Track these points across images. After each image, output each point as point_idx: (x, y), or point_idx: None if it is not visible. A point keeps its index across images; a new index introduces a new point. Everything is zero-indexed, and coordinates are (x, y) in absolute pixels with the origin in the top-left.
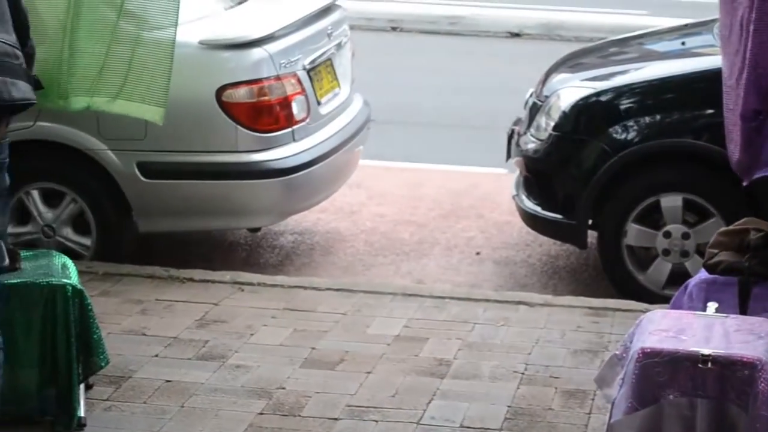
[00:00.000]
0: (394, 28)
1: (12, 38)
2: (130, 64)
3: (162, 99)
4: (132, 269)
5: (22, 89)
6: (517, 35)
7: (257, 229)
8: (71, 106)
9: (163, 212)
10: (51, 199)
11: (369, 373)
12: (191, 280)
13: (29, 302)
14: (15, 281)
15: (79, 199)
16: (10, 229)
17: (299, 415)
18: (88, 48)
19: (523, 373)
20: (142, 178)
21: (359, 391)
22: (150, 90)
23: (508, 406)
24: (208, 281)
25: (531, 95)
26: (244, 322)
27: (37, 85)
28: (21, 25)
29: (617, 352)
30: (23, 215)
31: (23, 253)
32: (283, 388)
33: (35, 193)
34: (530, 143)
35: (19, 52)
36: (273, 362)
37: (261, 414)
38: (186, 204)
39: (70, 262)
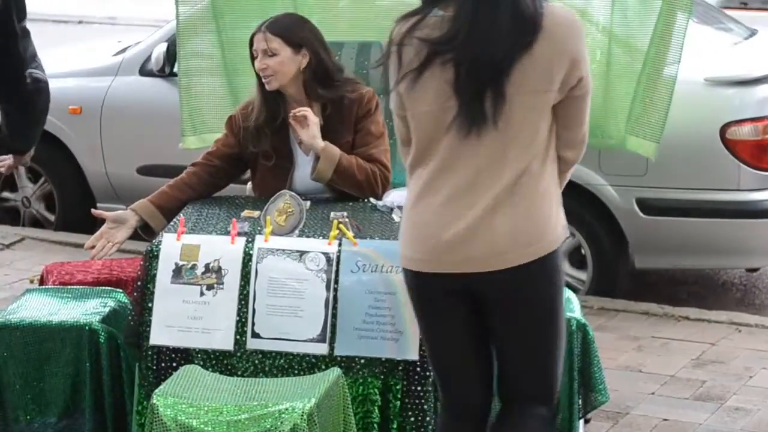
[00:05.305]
0: None
1: None
2: (633, 98)
3: (657, 134)
4: (626, 305)
5: None
6: None
7: (755, 269)
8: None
9: (660, 249)
10: None
11: None
12: (686, 318)
13: None
14: None
15: (576, 233)
16: None
17: None
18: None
19: None
20: (641, 215)
21: None
22: (644, 124)
23: None
24: (703, 320)
25: None
26: (742, 364)
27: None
28: None
29: None
30: None
31: None
32: None
33: None
34: None
35: None
36: None
37: None
38: (683, 242)
39: (573, 296)
